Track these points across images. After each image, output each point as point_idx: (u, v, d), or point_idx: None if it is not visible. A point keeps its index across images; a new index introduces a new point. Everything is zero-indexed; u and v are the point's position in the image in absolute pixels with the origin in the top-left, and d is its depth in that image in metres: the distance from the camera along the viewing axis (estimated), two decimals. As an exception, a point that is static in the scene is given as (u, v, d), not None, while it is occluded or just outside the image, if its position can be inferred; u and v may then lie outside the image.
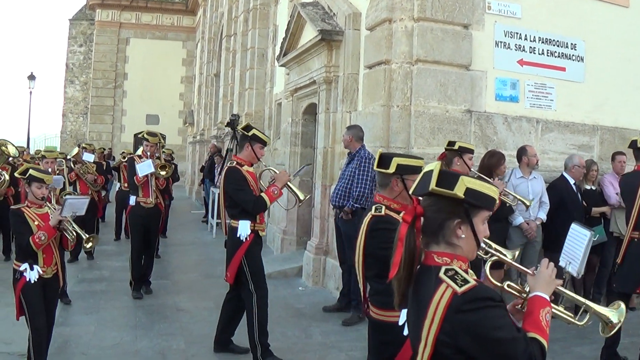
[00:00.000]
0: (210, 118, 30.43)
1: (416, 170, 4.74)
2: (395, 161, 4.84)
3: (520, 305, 3.42)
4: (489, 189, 3.08)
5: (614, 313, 3.49)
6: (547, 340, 3.06)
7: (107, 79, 42.61)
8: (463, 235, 3.05)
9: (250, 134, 7.97)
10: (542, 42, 10.94)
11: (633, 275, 8.04)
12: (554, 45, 11.04)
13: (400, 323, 4.40)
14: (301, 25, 13.79)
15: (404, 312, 4.05)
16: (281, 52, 15.26)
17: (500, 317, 2.87)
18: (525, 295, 3.39)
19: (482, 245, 3.37)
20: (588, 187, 10.62)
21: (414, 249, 3.08)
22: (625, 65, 11.73)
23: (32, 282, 6.81)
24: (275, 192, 7.96)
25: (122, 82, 42.77)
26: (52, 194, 7.39)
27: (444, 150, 8.95)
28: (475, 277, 3.02)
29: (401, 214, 3.15)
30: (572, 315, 3.60)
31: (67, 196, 7.83)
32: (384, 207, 4.84)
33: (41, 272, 6.88)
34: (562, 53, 11.11)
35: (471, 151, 8.72)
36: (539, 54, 10.91)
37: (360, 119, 10.86)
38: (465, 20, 10.24)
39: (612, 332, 3.54)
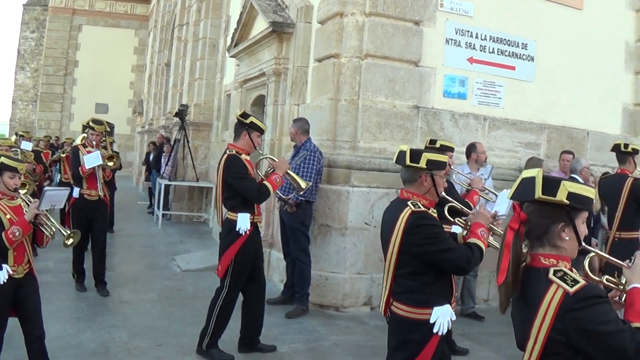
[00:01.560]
0: (159, 108, 30.08)
1: (444, 166, 4.99)
2: (426, 157, 4.83)
3: (617, 297, 3.53)
4: (587, 190, 3.22)
5: None
6: None
7: (58, 66, 41.94)
8: (567, 238, 3.21)
9: (248, 121, 7.73)
10: (493, 41, 11.00)
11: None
12: (504, 44, 11.11)
13: (432, 321, 4.64)
14: (253, 16, 13.70)
15: (436, 309, 4.64)
16: (232, 43, 15.16)
17: (608, 311, 2.98)
18: (622, 287, 3.51)
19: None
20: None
21: (520, 254, 3.25)
22: (576, 66, 11.88)
23: (1, 283, 6.03)
24: (277, 180, 7.76)
25: (73, 69, 42.12)
26: None
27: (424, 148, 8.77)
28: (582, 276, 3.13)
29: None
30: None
31: (47, 187, 7.31)
32: (419, 203, 4.80)
33: (11, 272, 6.10)
34: (512, 52, 11.18)
35: (452, 149, 8.62)
36: (489, 52, 10.97)
37: (308, 112, 10.80)
38: (416, 16, 10.25)
39: None
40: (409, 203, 4.76)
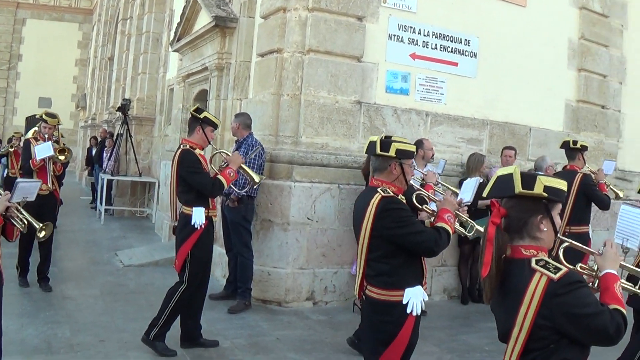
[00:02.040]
0: (102, 102, 29.81)
1: (412, 155, 5.25)
2: (395, 146, 5.02)
3: (591, 283, 3.73)
4: (560, 183, 3.46)
5: None
6: (625, 309, 3.39)
7: (1, 60, 41.31)
8: (545, 229, 3.42)
9: (202, 116, 7.80)
10: (436, 37, 11.04)
11: None
12: (447, 41, 11.17)
13: (405, 302, 4.84)
14: (196, 10, 13.61)
15: (408, 290, 4.85)
16: (175, 37, 15.05)
17: (589, 295, 3.24)
18: (594, 273, 3.75)
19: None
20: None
21: (502, 247, 3.41)
22: (519, 63, 12.01)
23: None
24: (231, 174, 7.82)
25: (17, 63, 41.59)
26: None
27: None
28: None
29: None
30: (633, 286, 4.19)
31: (19, 179, 6.83)
32: (388, 189, 5.00)
33: None
34: (455, 48, 11.25)
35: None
36: (432, 48, 11.02)
37: (251, 106, 10.76)
38: (359, 12, 10.24)
39: None
40: (378, 190, 4.97)
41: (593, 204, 9.35)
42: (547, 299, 3.17)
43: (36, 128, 10.74)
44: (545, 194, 3.37)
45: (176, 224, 7.92)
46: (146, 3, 20.59)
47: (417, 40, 10.85)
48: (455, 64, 11.24)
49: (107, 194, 19.35)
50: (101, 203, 19.01)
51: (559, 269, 3.22)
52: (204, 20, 12.88)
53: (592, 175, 9.29)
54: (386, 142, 5.06)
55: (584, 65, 13.07)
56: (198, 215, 7.59)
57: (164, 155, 16.88)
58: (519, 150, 11.43)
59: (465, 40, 11.33)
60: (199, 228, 7.60)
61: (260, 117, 10.21)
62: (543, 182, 3.36)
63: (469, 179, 9.02)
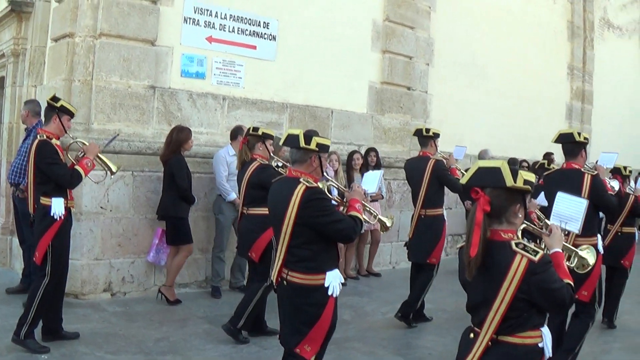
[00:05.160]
0: None
1: (328, 148, 5.80)
2: (315, 140, 5.48)
3: None
4: (531, 176, 4.05)
5: (590, 255, 5.12)
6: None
7: None
8: (520, 215, 4.06)
9: (58, 105, 7.60)
10: (234, 20, 10.99)
11: (423, 247, 9.44)
12: (245, 24, 11.13)
13: (326, 284, 5.31)
14: (-7, -5, 13.10)
15: (328, 274, 5.33)
16: (-27, 22, 14.43)
17: (554, 273, 3.95)
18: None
19: None
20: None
21: (485, 231, 3.92)
22: (321, 45, 12.11)
23: None
24: (89, 164, 7.64)
25: None
26: None
27: (245, 136, 8.77)
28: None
29: (474, 204, 3.97)
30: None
31: None
32: (310, 180, 5.43)
33: None
34: (253, 31, 11.22)
35: (272, 137, 8.71)
36: (230, 31, 10.97)
37: (44, 93, 10.37)
38: (154, -6, 10.08)
39: (586, 271, 5.37)
40: (301, 180, 5.38)
41: (446, 188, 9.64)
42: (528, 277, 3.80)
43: None
44: (528, 187, 3.98)
45: (33, 216, 7.75)
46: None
47: (213, 23, 10.76)
48: (254, 47, 11.23)
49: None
50: None
51: (537, 252, 3.85)
52: (1, 5, 12.40)
53: (444, 161, 9.58)
54: (308, 136, 5.49)
55: (388, 47, 13.31)
56: (57, 206, 7.44)
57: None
58: (321, 133, 11.39)
59: (264, 23, 11.32)
60: (58, 219, 7.45)
61: (53, 104, 9.86)
62: (523, 176, 3.96)
63: (370, 171, 10.48)
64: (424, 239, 9.43)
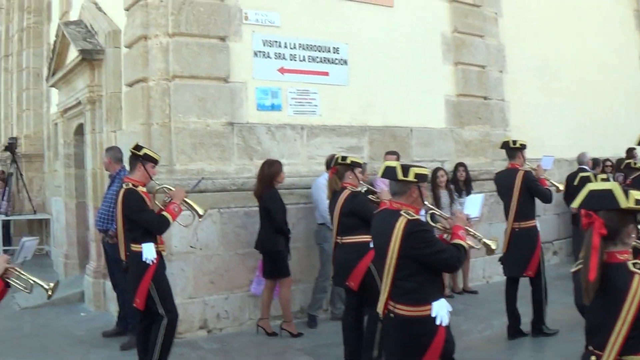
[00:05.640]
0: (-8, 142, 29.10)
1: (427, 178, 5.81)
2: (413, 171, 5.45)
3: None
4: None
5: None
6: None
7: None
8: (633, 235, 3.97)
9: (141, 153, 7.82)
10: (303, 49, 10.98)
11: (518, 261, 9.38)
12: (315, 51, 11.11)
13: (433, 315, 5.24)
14: (66, 44, 13.29)
15: (434, 304, 5.25)
16: (49, 72, 14.75)
17: None
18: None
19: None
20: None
21: (602, 254, 3.87)
22: (392, 64, 12.00)
23: None
24: (176, 209, 7.79)
25: None
26: None
27: (333, 165, 8.66)
28: None
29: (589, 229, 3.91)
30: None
31: (25, 238, 5.99)
32: (411, 212, 5.43)
33: None
34: (324, 58, 11.19)
35: (361, 165, 8.69)
36: (300, 60, 10.95)
37: (124, 138, 10.57)
38: (221, 32, 10.15)
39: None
40: (402, 212, 5.36)
41: (537, 199, 9.61)
42: None
43: None
44: (638, 207, 3.87)
45: (126, 263, 7.92)
46: (23, 38, 20.14)
47: (284, 54, 10.77)
48: (326, 74, 11.19)
49: (6, 235, 18.84)
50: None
51: None
52: (73, 53, 12.59)
53: (533, 172, 9.54)
54: (406, 168, 5.47)
55: (460, 59, 13.16)
56: (148, 251, 7.59)
57: (54, 192, 16.49)
58: (402, 153, 11.40)
59: (334, 48, 11.28)
60: (151, 263, 7.58)
61: (133, 148, 9.98)
62: (635, 196, 3.85)
63: (472, 195, 10.65)
64: (519, 252, 9.36)
